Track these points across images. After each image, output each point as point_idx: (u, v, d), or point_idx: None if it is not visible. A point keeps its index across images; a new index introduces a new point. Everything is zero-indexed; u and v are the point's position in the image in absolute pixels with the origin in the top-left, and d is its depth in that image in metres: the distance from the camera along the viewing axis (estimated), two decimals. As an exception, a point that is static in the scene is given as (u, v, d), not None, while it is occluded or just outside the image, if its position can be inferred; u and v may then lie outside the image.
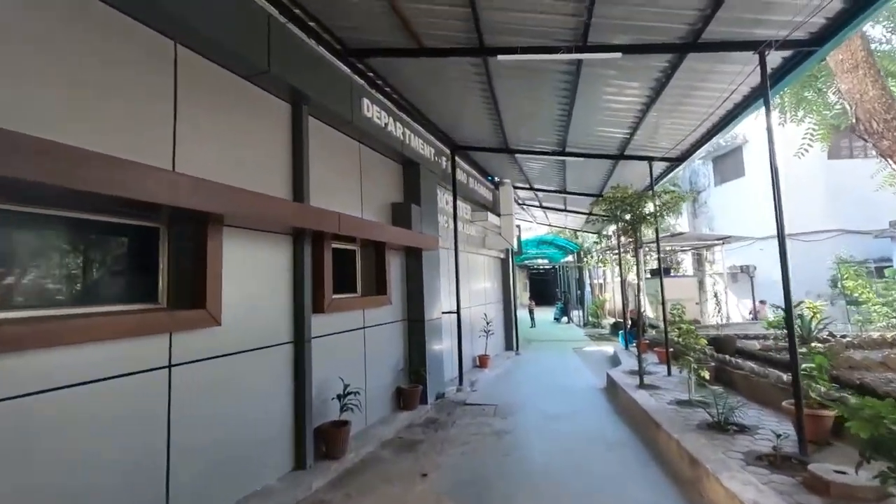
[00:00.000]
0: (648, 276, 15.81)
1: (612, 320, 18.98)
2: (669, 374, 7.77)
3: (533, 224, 20.55)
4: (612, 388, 7.69)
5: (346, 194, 5.62)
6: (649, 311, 15.53)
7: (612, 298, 19.56)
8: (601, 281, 26.54)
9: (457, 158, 9.02)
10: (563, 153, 8.35)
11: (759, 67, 4.29)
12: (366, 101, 5.64)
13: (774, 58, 4.49)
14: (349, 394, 4.92)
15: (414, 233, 6.46)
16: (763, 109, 4.29)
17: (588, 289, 25.69)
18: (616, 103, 6.19)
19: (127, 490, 2.92)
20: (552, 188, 12.20)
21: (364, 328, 5.87)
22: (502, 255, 13.07)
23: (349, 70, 5.44)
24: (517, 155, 9.11)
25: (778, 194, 3.99)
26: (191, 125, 3.55)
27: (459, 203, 9.88)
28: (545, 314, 26.14)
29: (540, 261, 32.16)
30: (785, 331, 8.50)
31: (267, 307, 4.22)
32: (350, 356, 5.48)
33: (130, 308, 3.14)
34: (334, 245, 5.43)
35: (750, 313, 13.81)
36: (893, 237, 13.15)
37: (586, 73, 5.29)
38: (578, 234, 22.80)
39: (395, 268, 6.74)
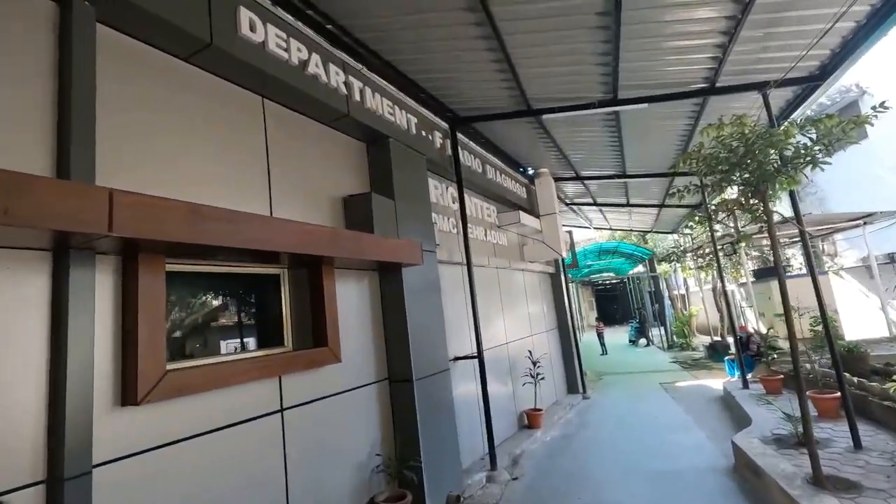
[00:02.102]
0: (753, 279, 11.99)
1: (708, 340, 14.98)
2: (858, 444, 4.39)
3: (589, 230, 17.24)
4: (752, 477, 4.42)
5: (228, 178, 3.21)
6: (755, 324, 11.67)
7: (704, 311, 15.58)
8: (682, 291, 22.25)
9: (460, 136, 6.44)
10: (614, 101, 5.49)
11: None
12: (246, 14, 3.26)
13: None
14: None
15: (375, 239, 3.88)
16: None
17: (667, 302, 21.52)
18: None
19: None
20: (607, 173, 9.18)
21: (282, 411, 3.30)
22: (550, 269, 10.11)
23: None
24: (547, 119, 6.34)
25: None
26: None
27: (477, 201, 7.24)
28: (617, 336, 22.18)
29: (605, 274, 28.37)
30: None
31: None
32: (232, 475, 2.90)
33: None
34: (212, 268, 3.03)
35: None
36: None
37: None
38: (648, 236, 19.09)
39: (351, 299, 4.18)
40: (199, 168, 3.04)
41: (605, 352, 16.80)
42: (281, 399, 3.31)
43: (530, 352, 7.54)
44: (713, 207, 4.50)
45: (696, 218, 5.96)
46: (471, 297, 5.68)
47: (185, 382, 2.59)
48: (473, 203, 7.07)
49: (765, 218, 4.09)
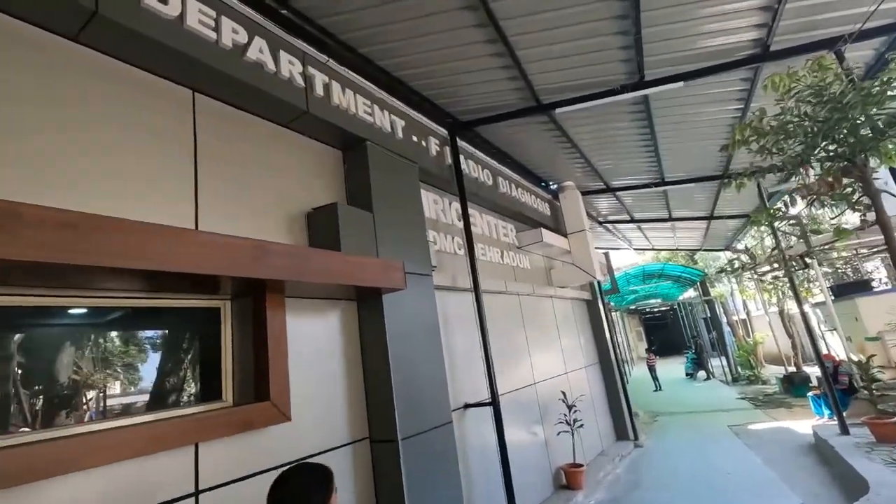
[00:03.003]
0: (832, 297, 10.20)
1: (780, 371, 12.94)
2: None
3: (629, 251, 15.79)
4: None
5: (129, 185, 2.50)
6: (844, 351, 9.84)
7: (773, 337, 13.59)
8: (742, 316, 19.98)
9: (465, 145, 5.67)
10: (640, 84, 4.54)
11: None
12: (152, -17, 2.64)
13: None
14: None
15: (330, 256, 3.03)
16: None
17: (726, 329, 19.30)
18: None
19: None
20: (641, 181, 8.07)
21: (197, 494, 2.41)
22: (585, 295, 8.91)
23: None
24: (564, 118, 5.47)
25: None
26: None
27: (491, 219, 6.34)
28: (672, 369, 20.01)
29: (652, 301, 26.32)
30: None
31: None
32: None
33: None
34: (109, 300, 2.31)
35: None
36: None
37: None
38: (698, 256, 17.33)
39: (314, 337, 3.31)
40: (87, 171, 2.34)
41: (658, 387, 14.93)
42: (196, 477, 2.42)
43: (564, 393, 6.33)
44: (788, 196, 3.33)
45: (759, 222, 4.75)
46: (480, 331, 4.69)
47: (17, 466, 1.76)
48: (486, 221, 6.17)
49: (865, 203, 2.95)
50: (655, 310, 32.51)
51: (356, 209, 3.69)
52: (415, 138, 4.71)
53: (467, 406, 4.62)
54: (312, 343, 3.27)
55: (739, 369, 15.42)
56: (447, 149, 5.23)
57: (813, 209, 8.91)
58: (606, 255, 11.46)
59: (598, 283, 9.23)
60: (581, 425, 6.22)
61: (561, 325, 7.64)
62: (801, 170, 3.08)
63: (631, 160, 7.12)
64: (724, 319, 19.45)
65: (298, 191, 3.55)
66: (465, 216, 5.01)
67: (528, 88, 4.76)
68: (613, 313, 21.26)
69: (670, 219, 10.52)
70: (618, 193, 8.61)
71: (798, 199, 3.73)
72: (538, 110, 5.07)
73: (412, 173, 4.53)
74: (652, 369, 15.50)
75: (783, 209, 3.73)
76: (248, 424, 2.62)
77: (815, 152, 2.94)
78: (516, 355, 5.96)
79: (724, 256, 16.14)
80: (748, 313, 18.86)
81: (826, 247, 7.25)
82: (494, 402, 4.49)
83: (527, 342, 6.32)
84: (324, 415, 3.18)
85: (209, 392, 2.81)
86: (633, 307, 28.56)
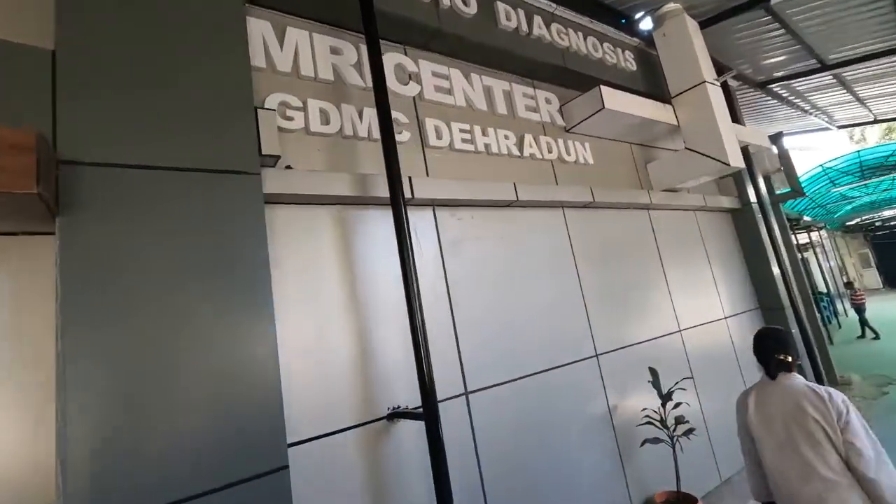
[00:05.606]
0: None
1: None
2: None
3: (832, 131, 10.26)
4: None
5: None
6: None
7: None
8: None
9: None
10: None
11: None
12: None
13: None
14: None
15: None
16: None
17: None
18: None
19: None
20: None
21: None
22: (726, 203, 5.43)
23: None
24: None
25: None
26: None
27: (490, 81, 3.72)
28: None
29: (886, 212, 18.71)
30: None
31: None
32: None
33: None
34: None
35: None
36: None
37: None
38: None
39: None
40: None
41: (869, 335, 9.92)
42: None
43: (654, 373, 3.54)
44: None
45: None
46: (404, 281, 2.37)
47: None
48: (476, 85, 3.57)
49: None
50: (892, 223, 23.07)
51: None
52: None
53: (394, 415, 2.45)
54: None
55: None
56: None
57: None
58: (778, 138, 7.19)
59: (752, 177, 5.60)
60: (692, 432, 3.40)
61: (668, 251, 4.59)
62: None
63: None
64: None
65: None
66: (376, 60, 2.59)
67: None
68: (818, 232, 15.12)
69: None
70: (778, 6, 4.70)
71: None
72: None
73: (225, -17, 2.31)
74: (859, 311, 10.31)
75: None
76: None
77: None
78: (552, 311, 3.41)
79: None
80: None
81: None
82: (429, 413, 2.22)
83: (580, 286, 3.67)
84: None
85: None
86: (850, 223, 20.75)
